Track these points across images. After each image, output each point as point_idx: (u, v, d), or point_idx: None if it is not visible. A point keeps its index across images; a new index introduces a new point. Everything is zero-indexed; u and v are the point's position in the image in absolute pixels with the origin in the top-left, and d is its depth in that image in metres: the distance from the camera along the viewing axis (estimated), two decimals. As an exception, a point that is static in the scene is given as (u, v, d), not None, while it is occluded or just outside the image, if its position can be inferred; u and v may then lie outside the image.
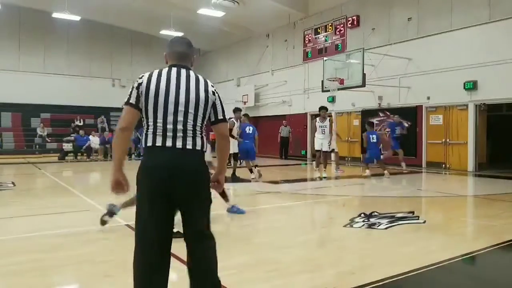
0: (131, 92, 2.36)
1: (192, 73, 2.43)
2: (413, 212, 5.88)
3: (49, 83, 21.26)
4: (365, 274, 3.39)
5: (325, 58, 14.69)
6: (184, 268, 2.51)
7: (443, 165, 13.03)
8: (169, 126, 2.28)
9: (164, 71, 2.39)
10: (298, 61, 18.66)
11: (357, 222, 5.31)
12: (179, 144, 2.28)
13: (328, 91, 14.28)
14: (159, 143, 2.28)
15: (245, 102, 21.23)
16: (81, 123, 19.87)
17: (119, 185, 2.41)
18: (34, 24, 20.88)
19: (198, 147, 2.34)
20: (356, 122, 16.05)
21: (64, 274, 3.45)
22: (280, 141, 17.92)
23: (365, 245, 4.34)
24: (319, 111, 10.68)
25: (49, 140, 18.88)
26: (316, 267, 3.59)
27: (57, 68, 21.81)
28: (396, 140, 12.34)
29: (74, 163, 15.90)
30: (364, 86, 13.04)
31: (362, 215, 5.68)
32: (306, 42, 18.30)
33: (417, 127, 13.75)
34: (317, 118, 10.73)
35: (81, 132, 17.53)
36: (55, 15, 17.92)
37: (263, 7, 17.77)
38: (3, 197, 7.51)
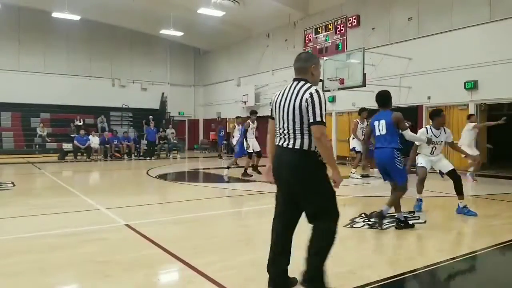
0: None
1: (299, 84, 2.93)
2: (413, 212, 5.88)
3: (49, 83, 21.23)
4: (365, 274, 3.39)
5: (325, 58, 14.66)
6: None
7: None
8: (280, 130, 2.96)
9: (287, 85, 3.03)
10: (299, 60, 18.61)
11: (358, 222, 5.31)
12: (282, 143, 2.94)
13: (329, 90, 14.25)
14: (276, 142, 3.04)
15: (245, 102, 21.22)
16: (81, 123, 19.84)
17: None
18: (34, 23, 20.85)
19: (297, 146, 2.85)
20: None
21: (64, 274, 3.46)
22: None
23: (365, 245, 4.34)
24: (361, 112, 11.10)
25: (49, 140, 18.87)
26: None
27: (57, 68, 21.78)
28: None
29: (74, 163, 15.90)
30: (365, 86, 13.01)
31: (363, 215, 5.67)
32: (307, 41, 18.28)
33: (417, 127, 13.72)
34: (358, 120, 11.11)
35: (82, 132, 17.52)
36: (55, 14, 17.90)
37: (263, 6, 17.76)
38: (3, 197, 7.52)
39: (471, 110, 12.35)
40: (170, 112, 24.61)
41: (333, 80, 13.85)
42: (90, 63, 22.76)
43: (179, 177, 11.98)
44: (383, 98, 5.07)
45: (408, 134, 4.96)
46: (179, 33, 21.12)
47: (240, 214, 6.15)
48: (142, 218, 5.60)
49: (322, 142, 2.79)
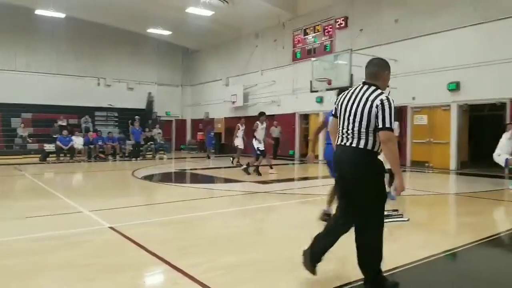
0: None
1: (370, 90, 3.02)
2: (397, 210, 5.95)
3: (32, 81, 20.72)
4: (350, 272, 3.42)
5: (313, 59, 14.75)
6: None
7: (427, 164, 13.22)
8: (344, 130, 3.09)
9: (353, 88, 3.14)
10: (287, 61, 18.70)
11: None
12: (344, 143, 3.08)
13: (317, 91, 14.35)
14: (337, 142, 3.20)
15: (233, 102, 21.19)
16: (65, 123, 19.46)
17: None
18: (16, 21, 20.30)
19: (361, 146, 2.97)
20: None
21: (45, 279, 3.39)
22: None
23: (351, 243, 4.36)
24: (260, 116, 11.40)
25: (30, 141, 18.46)
26: (301, 266, 3.60)
27: (40, 67, 21.31)
28: None
29: (56, 164, 15.61)
30: (351, 87, 13.12)
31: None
32: (295, 42, 18.35)
33: (402, 127, 13.90)
34: (258, 122, 11.25)
35: (65, 132, 17.19)
36: (39, 12, 17.56)
37: (252, 6, 17.76)
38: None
39: (453, 110, 12.56)
40: (157, 112, 24.43)
41: (321, 80, 13.94)
42: (75, 62, 22.37)
43: (166, 178, 11.90)
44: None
45: None
46: (167, 32, 20.99)
47: (227, 215, 6.14)
48: (127, 220, 5.55)
49: (389, 147, 2.90)
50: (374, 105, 2.91)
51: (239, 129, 13.12)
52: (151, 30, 20.82)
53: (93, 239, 4.56)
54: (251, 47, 20.87)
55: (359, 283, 3.17)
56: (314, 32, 17.36)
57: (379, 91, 2.99)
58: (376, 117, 2.90)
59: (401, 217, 5.59)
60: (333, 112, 3.33)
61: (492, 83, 11.38)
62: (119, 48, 23.67)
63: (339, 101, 3.18)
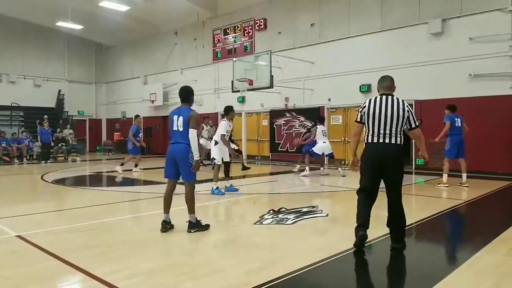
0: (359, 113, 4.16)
1: (395, 99, 4.07)
2: (316, 206, 6.22)
3: None
4: (275, 269, 3.48)
5: (234, 59, 14.84)
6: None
7: (343, 162, 14.05)
8: (380, 131, 3.99)
9: (378, 98, 4.07)
10: (208, 60, 18.59)
11: (267, 219, 5.45)
12: (383, 140, 4.00)
13: (238, 91, 14.45)
14: (370, 140, 4.07)
15: (153, 101, 20.52)
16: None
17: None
18: None
19: (398, 142, 4.01)
20: (265, 122, 16.52)
21: None
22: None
23: (274, 240, 4.47)
24: (204, 119, 11.85)
25: None
26: (227, 267, 3.60)
27: None
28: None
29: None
30: (272, 87, 13.46)
31: (271, 211, 5.85)
32: (216, 42, 18.31)
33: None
34: (204, 124, 11.52)
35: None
36: None
37: (170, 3, 17.35)
38: None
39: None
40: (68, 111, 22.73)
41: (243, 81, 14.08)
42: (-29, 56, 19.99)
43: (79, 181, 11.09)
44: (186, 93, 5.13)
45: (191, 134, 4.75)
46: (78, 26, 19.64)
47: (145, 219, 5.90)
48: (36, 227, 5.07)
49: (423, 138, 4.29)
50: (406, 110, 4.00)
51: (203, 129, 12.88)
52: (60, 24, 19.30)
53: (-5, 251, 4.08)
54: (170, 45, 20.40)
55: (285, 278, 3.24)
56: (235, 32, 17.50)
57: (401, 99, 4.07)
58: (408, 119, 4.02)
59: (321, 213, 5.86)
60: (358, 119, 4.14)
61: (399, 85, 12.35)
62: (24, 42, 21.64)
63: (367, 109, 4.05)
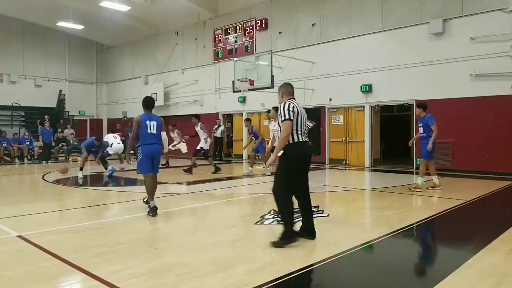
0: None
1: (298, 101, 4.51)
2: (317, 206, 6.22)
3: None
4: (275, 269, 3.49)
5: (235, 59, 14.84)
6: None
7: (344, 162, 14.06)
8: (303, 130, 4.33)
9: (294, 101, 4.42)
10: (209, 60, 18.60)
11: (268, 219, 5.45)
12: (306, 139, 4.35)
13: (239, 91, 14.45)
14: (300, 139, 4.29)
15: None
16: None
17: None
18: None
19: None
20: (266, 122, 16.49)
21: None
22: (214, 141, 17.24)
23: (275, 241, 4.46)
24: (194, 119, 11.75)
25: None
26: (228, 267, 3.60)
27: None
28: None
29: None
30: (273, 87, 13.44)
31: (272, 211, 5.85)
32: (217, 42, 18.32)
33: (320, 126, 14.63)
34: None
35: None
36: None
37: (171, 3, 17.35)
38: None
39: (366, 111, 13.52)
40: (69, 111, 22.75)
41: (243, 81, 14.07)
42: (-27, 56, 20.01)
43: (80, 181, 11.09)
44: (152, 102, 6.23)
45: (164, 136, 6.03)
46: (79, 27, 19.64)
47: (147, 218, 5.90)
48: (38, 227, 5.08)
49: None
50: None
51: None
52: (61, 24, 19.31)
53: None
54: (171, 45, 20.40)
55: (286, 278, 3.24)
56: (235, 32, 17.50)
57: None
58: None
59: (322, 213, 5.85)
60: (291, 118, 4.24)
61: (400, 86, 12.45)
62: (25, 42, 21.67)
63: (297, 110, 4.26)
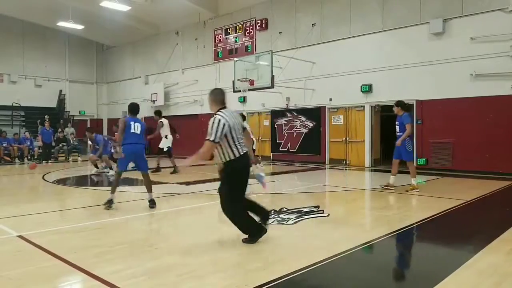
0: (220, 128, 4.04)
1: (233, 110, 4.26)
2: (318, 206, 6.22)
3: None
4: (275, 269, 3.49)
5: (235, 59, 14.85)
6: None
7: (344, 162, 14.05)
8: (240, 142, 4.17)
9: (226, 110, 4.15)
10: (209, 60, 18.60)
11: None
12: (246, 151, 4.25)
13: (239, 91, 14.45)
14: (242, 152, 4.18)
15: (154, 101, 20.52)
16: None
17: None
18: None
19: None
20: (266, 122, 16.52)
21: None
22: None
23: (275, 240, 4.47)
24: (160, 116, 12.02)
25: None
26: (228, 267, 3.60)
27: None
28: None
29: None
30: (273, 87, 13.47)
31: (272, 211, 5.84)
32: (217, 42, 18.32)
33: (320, 126, 14.63)
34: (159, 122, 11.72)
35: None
36: None
37: (171, 3, 17.34)
38: None
39: (366, 111, 13.52)
40: (69, 111, 22.74)
41: (244, 81, 14.08)
42: (-28, 56, 20.01)
43: (80, 181, 11.11)
44: (136, 108, 6.69)
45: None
46: (79, 26, 19.64)
47: (146, 219, 5.90)
48: (38, 227, 5.08)
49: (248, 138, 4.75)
50: (241, 120, 4.33)
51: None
52: (61, 24, 19.30)
53: (0, 250, 4.10)
54: (171, 45, 20.40)
55: (287, 278, 3.24)
56: (236, 32, 17.50)
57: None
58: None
59: (322, 213, 5.85)
60: (216, 139, 4.02)
61: (400, 86, 12.44)
62: (25, 42, 21.66)
63: (229, 123, 4.04)
